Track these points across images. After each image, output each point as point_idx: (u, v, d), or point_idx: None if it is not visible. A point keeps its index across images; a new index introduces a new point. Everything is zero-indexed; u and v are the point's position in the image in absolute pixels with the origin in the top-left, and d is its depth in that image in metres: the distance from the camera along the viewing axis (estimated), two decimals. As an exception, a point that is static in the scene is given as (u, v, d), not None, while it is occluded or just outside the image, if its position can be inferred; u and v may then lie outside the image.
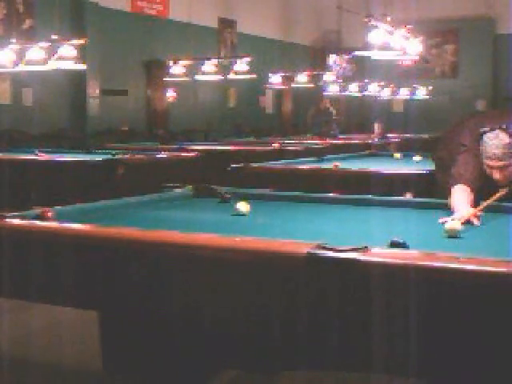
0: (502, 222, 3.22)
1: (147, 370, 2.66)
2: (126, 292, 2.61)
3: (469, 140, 3.81)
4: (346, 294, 2.17)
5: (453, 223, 2.87)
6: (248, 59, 11.40)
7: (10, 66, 8.63)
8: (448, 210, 3.35)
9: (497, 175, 3.61)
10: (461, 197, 3.45)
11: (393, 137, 12.94)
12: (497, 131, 3.63)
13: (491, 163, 3.61)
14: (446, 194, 3.58)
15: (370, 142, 11.52)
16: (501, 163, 3.60)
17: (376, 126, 14.82)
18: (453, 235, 2.80)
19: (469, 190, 3.52)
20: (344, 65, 17.79)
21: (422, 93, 16.10)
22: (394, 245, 2.32)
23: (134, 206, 3.65)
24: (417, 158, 6.99)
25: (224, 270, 2.38)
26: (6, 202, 6.06)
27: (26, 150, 8.30)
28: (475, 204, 3.40)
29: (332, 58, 17.93)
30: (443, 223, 2.96)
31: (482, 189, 3.59)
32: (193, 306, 2.48)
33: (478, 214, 3.22)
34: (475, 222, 3.13)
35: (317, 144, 10.21)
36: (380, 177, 5.23)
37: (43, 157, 7.41)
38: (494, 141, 3.60)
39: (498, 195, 3.50)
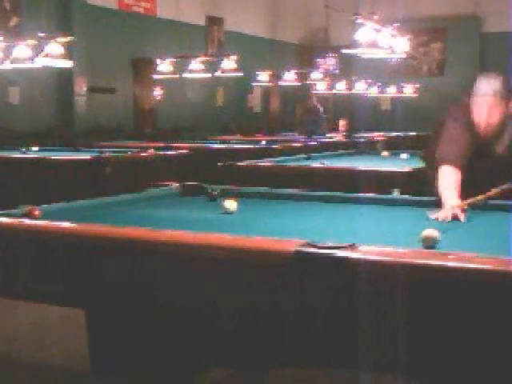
0: (490, 219, 3.23)
1: (135, 369, 2.66)
2: (114, 291, 2.60)
3: (455, 110, 3.83)
4: (334, 291, 2.17)
5: (429, 231, 2.47)
6: (235, 57, 11.39)
7: (-4, 64, 8.59)
8: (437, 207, 3.36)
9: (484, 122, 3.61)
10: (448, 184, 3.44)
11: (380, 135, 12.99)
12: (491, 76, 3.66)
13: (480, 101, 3.61)
14: (436, 191, 3.58)
15: (335, 140, 11.64)
16: (490, 101, 3.60)
17: (340, 123, 14.88)
18: (430, 244, 2.42)
19: (455, 171, 3.52)
20: (331, 63, 17.79)
21: (409, 91, 16.14)
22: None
23: (121, 205, 3.65)
24: (404, 155, 7.01)
25: (212, 269, 2.38)
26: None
27: (12, 148, 8.27)
28: (463, 191, 3.40)
29: (319, 56, 17.94)
30: (436, 219, 2.99)
31: (471, 183, 3.58)
32: (180, 305, 2.48)
33: (465, 207, 3.22)
34: (461, 218, 3.13)
35: (304, 142, 10.22)
36: (367, 174, 5.24)
37: (30, 155, 7.39)
38: (485, 81, 3.63)
39: (488, 193, 3.50)
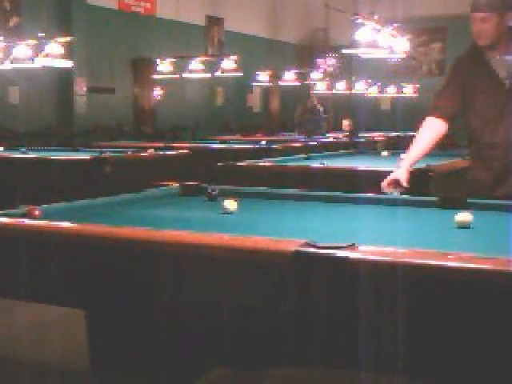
0: (490, 219, 3.23)
1: (135, 369, 2.65)
2: (114, 291, 2.60)
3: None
4: (334, 291, 2.17)
5: (463, 215, 2.92)
6: (235, 57, 11.40)
7: (-4, 64, 8.60)
8: (435, 208, 3.36)
9: (477, 36, 3.85)
10: (413, 147, 3.99)
11: (380, 135, 12.99)
12: None
13: (473, 16, 3.85)
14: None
15: (338, 140, 11.63)
16: (480, 15, 3.81)
17: (345, 124, 14.86)
18: (463, 226, 2.89)
19: (436, 123, 3.88)
20: (331, 63, 17.80)
21: (409, 91, 16.15)
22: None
23: (121, 205, 3.64)
24: (404, 155, 6.99)
25: (212, 269, 2.38)
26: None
27: (12, 148, 8.27)
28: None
29: (319, 56, 17.94)
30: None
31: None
32: (180, 304, 2.48)
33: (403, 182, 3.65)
34: (388, 190, 3.37)
35: (304, 142, 10.22)
36: (367, 174, 5.24)
37: (30, 155, 7.39)
38: None
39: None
